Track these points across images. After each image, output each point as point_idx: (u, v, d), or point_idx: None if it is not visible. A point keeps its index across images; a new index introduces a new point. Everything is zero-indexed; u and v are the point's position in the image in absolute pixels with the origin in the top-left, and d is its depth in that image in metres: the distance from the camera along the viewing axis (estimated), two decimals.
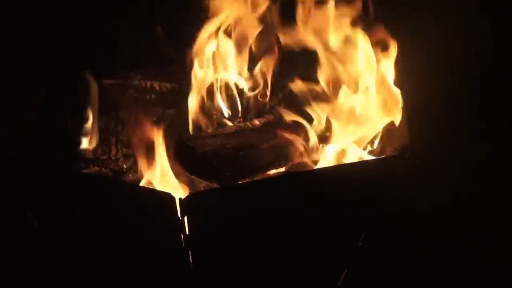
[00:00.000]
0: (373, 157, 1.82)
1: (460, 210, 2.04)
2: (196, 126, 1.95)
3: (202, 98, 1.95)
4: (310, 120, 1.90)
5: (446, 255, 1.93)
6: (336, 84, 1.90)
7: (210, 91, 1.97)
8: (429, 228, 1.98)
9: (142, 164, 1.73)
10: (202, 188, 1.78)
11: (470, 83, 2.12)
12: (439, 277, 1.88)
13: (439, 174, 2.07)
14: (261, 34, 1.94)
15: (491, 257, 1.93)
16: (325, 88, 1.90)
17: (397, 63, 1.85)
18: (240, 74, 1.98)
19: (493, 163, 2.15)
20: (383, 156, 1.81)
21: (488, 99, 2.17)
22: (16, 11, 2.03)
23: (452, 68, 2.07)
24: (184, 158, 1.78)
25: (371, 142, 1.88)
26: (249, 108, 2.00)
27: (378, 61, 1.85)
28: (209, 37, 1.93)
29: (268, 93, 1.98)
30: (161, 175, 1.71)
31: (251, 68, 1.98)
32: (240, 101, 1.99)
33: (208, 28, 1.92)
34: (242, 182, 1.72)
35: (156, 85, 2.02)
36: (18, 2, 2.03)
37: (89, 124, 1.95)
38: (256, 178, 1.74)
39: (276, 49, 1.95)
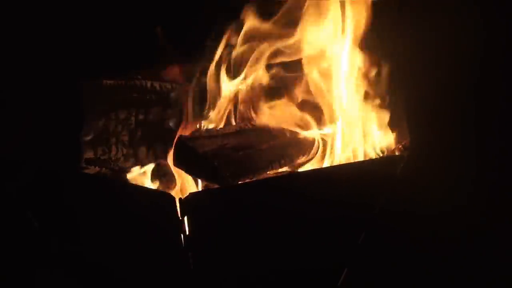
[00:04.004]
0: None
1: (460, 211, 2.04)
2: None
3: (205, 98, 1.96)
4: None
5: (446, 255, 1.93)
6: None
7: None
8: (429, 228, 1.98)
9: None
10: (202, 188, 1.78)
11: (472, 82, 2.12)
12: (439, 277, 1.88)
13: (439, 174, 2.07)
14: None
15: (491, 257, 1.93)
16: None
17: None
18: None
19: (494, 163, 2.15)
20: (383, 156, 1.81)
21: (490, 99, 2.16)
22: (17, 11, 2.03)
23: (452, 68, 2.07)
24: (184, 158, 1.78)
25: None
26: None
27: None
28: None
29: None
30: None
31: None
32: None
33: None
34: (242, 182, 1.72)
35: (156, 85, 2.02)
36: (19, 3, 2.03)
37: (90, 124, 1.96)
38: (256, 178, 1.74)
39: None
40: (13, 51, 2.00)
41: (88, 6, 2.06)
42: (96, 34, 2.07)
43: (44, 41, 2.02)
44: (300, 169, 1.86)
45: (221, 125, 1.95)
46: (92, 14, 2.07)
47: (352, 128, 1.86)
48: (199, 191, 1.71)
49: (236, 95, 1.96)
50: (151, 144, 2.03)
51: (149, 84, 2.01)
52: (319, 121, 1.91)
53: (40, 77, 1.98)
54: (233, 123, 1.98)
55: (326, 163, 1.86)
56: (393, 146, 1.84)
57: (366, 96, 1.87)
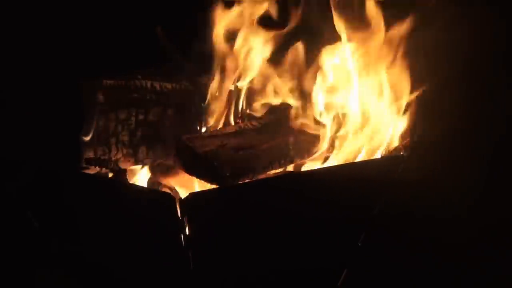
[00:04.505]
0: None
1: (461, 211, 2.04)
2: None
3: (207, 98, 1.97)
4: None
5: (446, 256, 1.93)
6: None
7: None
8: (429, 229, 1.98)
9: None
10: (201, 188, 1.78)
11: (473, 81, 2.12)
12: (440, 278, 1.88)
13: (439, 174, 2.07)
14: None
15: (491, 258, 1.93)
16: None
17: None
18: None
19: (496, 164, 2.15)
20: (383, 156, 1.81)
21: (493, 98, 2.16)
22: (17, 12, 2.03)
23: (454, 67, 2.07)
24: (184, 158, 1.78)
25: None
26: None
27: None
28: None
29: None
30: None
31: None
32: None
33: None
34: (242, 182, 1.72)
35: (156, 85, 2.02)
36: (19, 3, 2.03)
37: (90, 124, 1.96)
38: (256, 178, 1.74)
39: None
40: (13, 51, 2.00)
41: (88, 6, 2.06)
42: (96, 34, 2.07)
43: (44, 41, 2.02)
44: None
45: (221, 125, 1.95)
46: (92, 14, 2.07)
47: (355, 127, 1.86)
48: (199, 191, 1.71)
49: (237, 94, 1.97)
50: (151, 144, 2.03)
51: (149, 84, 2.01)
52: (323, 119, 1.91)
53: (40, 77, 1.98)
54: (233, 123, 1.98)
55: (328, 163, 1.86)
56: (394, 146, 1.84)
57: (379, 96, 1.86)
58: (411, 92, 1.82)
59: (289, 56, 1.95)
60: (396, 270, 1.89)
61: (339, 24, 1.85)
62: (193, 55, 2.02)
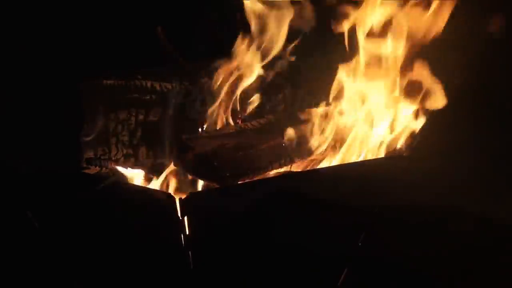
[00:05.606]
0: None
1: (461, 211, 2.04)
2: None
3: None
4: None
5: (446, 255, 1.93)
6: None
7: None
8: (429, 229, 1.98)
9: None
10: (202, 188, 1.78)
11: (475, 80, 2.12)
12: (438, 278, 1.88)
13: (440, 174, 2.07)
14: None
15: (489, 258, 1.93)
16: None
17: None
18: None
19: (498, 164, 2.14)
20: (384, 156, 1.81)
21: (495, 97, 2.16)
22: (18, 12, 2.03)
23: (455, 66, 2.06)
24: (184, 158, 1.78)
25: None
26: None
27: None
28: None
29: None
30: None
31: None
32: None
33: None
34: (242, 182, 1.72)
35: (156, 85, 2.02)
36: (20, 3, 2.03)
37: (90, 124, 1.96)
38: (256, 178, 1.74)
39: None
40: (13, 51, 2.00)
41: (88, 6, 2.06)
42: (96, 35, 2.07)
43: (44, 41, 2.02)
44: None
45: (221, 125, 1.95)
46: (92, 14, 2.07)
47: (361, 126, 1.86)
48: (199, 191, 1.71)
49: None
50: (151, 144, 2.03)
51: (149, 84, 2.02)
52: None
53: (40, 77, 1.98)
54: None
55: (328, 163, 1.87)
56: (395, 146, 1.84)
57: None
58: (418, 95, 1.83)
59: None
60: (396, 270, 1.89)
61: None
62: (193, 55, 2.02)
